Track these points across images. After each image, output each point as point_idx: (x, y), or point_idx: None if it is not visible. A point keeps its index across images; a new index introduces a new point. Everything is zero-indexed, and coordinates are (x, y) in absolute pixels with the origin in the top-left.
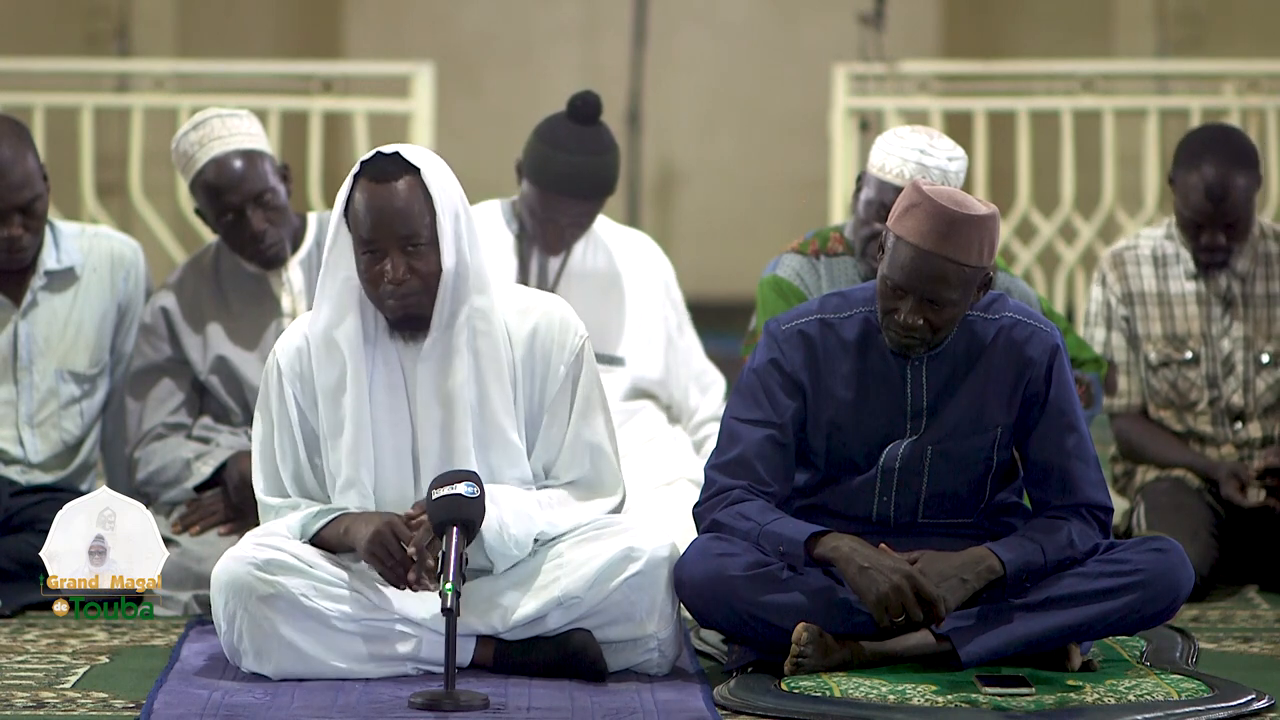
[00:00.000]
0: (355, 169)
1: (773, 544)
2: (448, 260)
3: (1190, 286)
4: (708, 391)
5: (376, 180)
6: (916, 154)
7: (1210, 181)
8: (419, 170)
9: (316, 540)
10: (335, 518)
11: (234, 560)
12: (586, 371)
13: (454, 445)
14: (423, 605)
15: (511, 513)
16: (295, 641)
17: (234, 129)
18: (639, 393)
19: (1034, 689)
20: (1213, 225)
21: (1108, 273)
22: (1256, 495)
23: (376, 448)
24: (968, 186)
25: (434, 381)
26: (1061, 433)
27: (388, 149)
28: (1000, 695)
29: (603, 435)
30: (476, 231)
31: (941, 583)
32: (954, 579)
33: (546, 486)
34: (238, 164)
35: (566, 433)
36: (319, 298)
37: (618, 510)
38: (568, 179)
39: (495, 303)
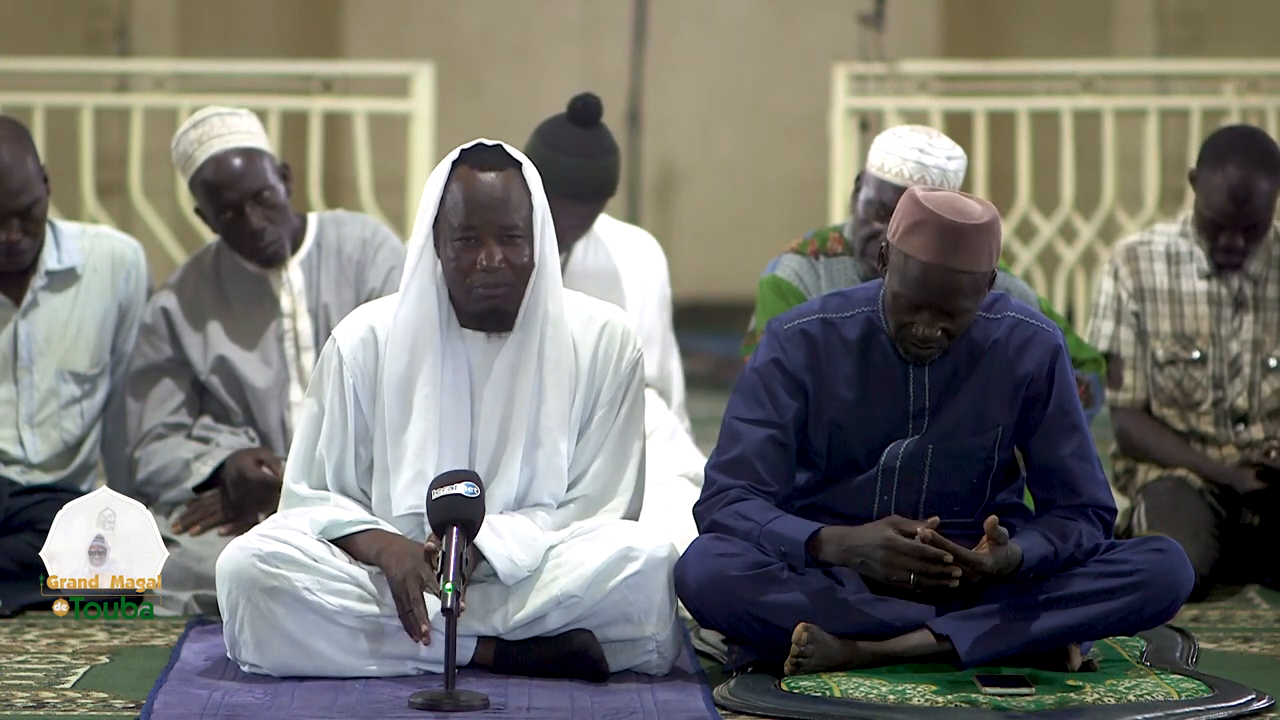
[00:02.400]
0: (452, 157)
1: (774, 544)
2: (538, 254)
3: (1202, 286)
4: (673, 401)
5: (480, 169)
6: (916, 153)
7: (1234, 183)
8: (521, 165)
9: (342, 542)
10: (369, 531)
11: (239, 550)
12: (635, 386)
13: (507, 443)
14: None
15: (518, 543)
16: (296, 635)
17: (233, 127)
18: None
19: (1034, 689)
20: (1233, 226)
21: (1120, 266)
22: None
23: (439, 441)
24: (967, 186)
25: (503, 380)
26: (1065, 433)
27: (488, 143)
28: (1000, 695)
29: (635, 453)
30: (554, 237)
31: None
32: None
33: (565, 504)
34: (237, 162)
35: (604, 444)
36: (405, 287)
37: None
38: (569, 182)
39: (565, 309)
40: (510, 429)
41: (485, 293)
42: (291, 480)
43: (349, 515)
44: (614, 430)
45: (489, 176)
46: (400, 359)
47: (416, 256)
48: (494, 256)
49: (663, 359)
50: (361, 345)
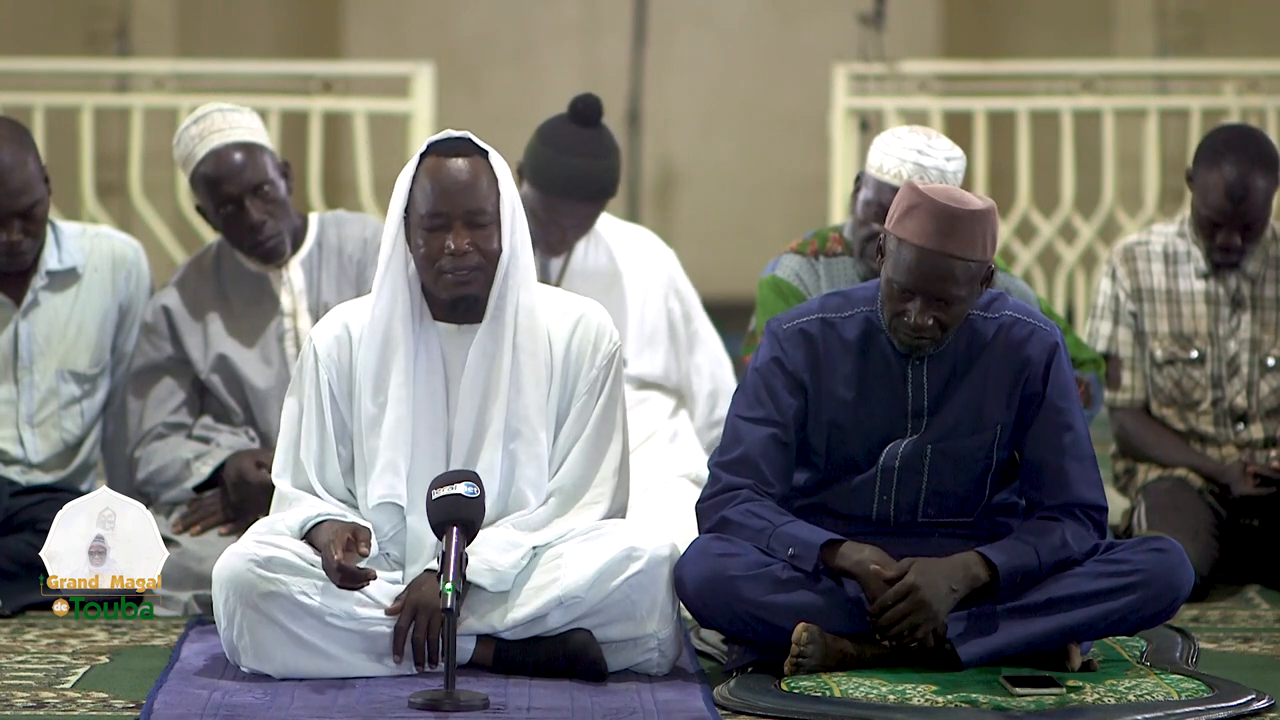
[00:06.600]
0: (420, 150)
1: (784, 545)
2: (508, 244)
3: (1200, 285)
4: (699, 395)
5: (446, 155)
6: (914, 154)
7: (1230, 181)
8: (487, 154)
9: (308, 537)
10: (325, 522)
11: (235, 557)
12: (614, 379)
13: (485, 433)
14: None
15: (494, 549)
16: (294, 640)
17: (234, 123)
18: (643, 384)
19: (1063, 688)
20: (1230, 225)
21: (1118, 266)
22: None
23: (414, 431)
24: (967, 186)
25: (476, 370)
26: (1057, 431)
27: (455, 133)
28: (1029, 696)
29: (613, 446)
30: (526, 230)
31: (935, 596)
32: (944, 589)
33: (544, 500)
34: (237, 156)
35: (580, 436)
36: (378, 283)
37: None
38: (571, 182)
39: (539, 302)
40: (487, 419)
41: (454, 278)
42: (277, 477)
43: (310, 511)
44: (590, 422)
45: (456, 163)
46: (372, 353)
47: (389, 251)
48: (462, 240)
49: (675, 358)
50: (336, 343)
